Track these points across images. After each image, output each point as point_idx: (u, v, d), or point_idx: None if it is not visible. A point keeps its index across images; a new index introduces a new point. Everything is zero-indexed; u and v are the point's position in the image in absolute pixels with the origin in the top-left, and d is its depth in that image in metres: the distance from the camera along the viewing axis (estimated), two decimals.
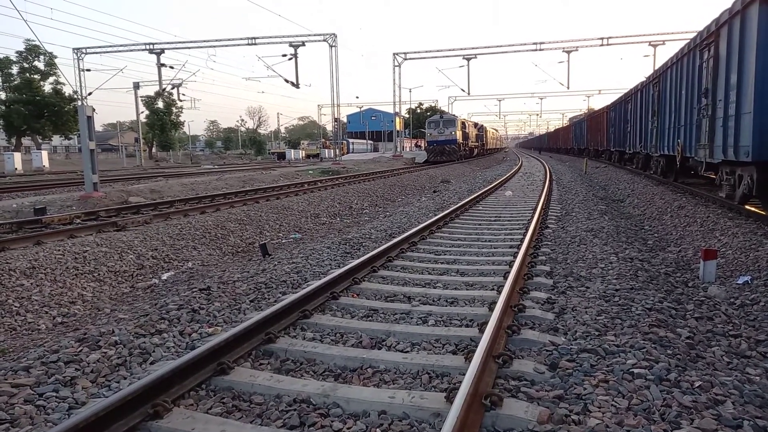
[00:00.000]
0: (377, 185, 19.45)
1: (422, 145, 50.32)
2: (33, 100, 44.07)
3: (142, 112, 50.13)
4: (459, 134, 38.67)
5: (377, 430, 2.84)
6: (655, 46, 35.20)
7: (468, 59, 39.13)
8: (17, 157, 32.89)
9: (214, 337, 3.79)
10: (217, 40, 36.78)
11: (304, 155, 62.42)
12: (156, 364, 3.77)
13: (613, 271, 5.90)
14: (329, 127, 75.76)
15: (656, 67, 16.48)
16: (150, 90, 53.13)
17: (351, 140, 77.19)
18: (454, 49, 39.33)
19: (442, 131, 37.86)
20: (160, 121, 58.55)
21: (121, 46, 38.15)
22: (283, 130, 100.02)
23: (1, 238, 8.35)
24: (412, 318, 4.62)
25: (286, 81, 35.52)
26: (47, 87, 46.03)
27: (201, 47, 37.15)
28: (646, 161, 18.18)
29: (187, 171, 32.33)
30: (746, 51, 7.91)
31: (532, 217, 9.54)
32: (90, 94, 40.33)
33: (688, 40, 11.80)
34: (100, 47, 38.79)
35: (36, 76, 45.38)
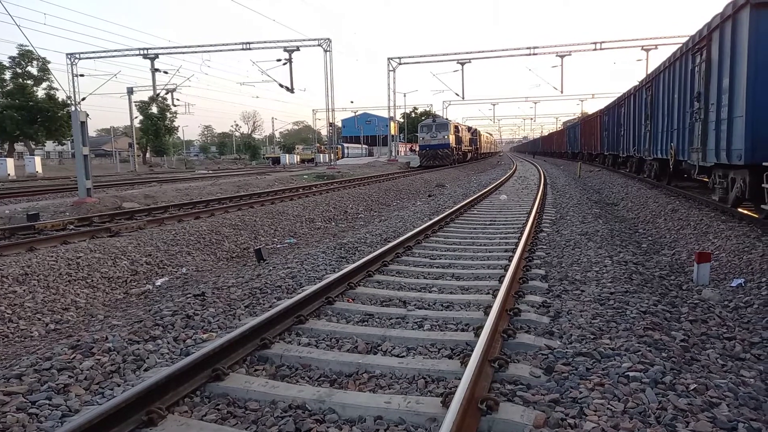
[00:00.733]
0: (372, 189, 19.46)
1: (416, 149, 50.19)
2: (26, 105, 43.89)
3: (136, 117, 50.16)
4: (452, 138, 37.88)
5: None
6: (647, 50, 35.45)
7: (462, 64, 39.30)
8: (10, 162, 32.73)
9: (209, 343, 3.77)
10: (211, 45, 36.73)
11: (298, 160, 62.41)
12: (150, 370, 3.74)
13: (607, 274, 5.92)
14: (324, 132, 75.81)
15: (649, 72, 16.59)
16: (144, 95, 53.02)
17: (346, 145, 77.29)
18: (448, 54, 39.48)
19: (435, 135, 37.14)
20: (154, 126, 58.44)
21: (114, 51, 38.06)
22: (277, 134, 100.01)
23: None
24: (407, 322, 4.61)
25: (281, 86, 35.53)
26: (40, 92, 45.90)
27: (195, 52, 37.09)
28: (639, 165, 18.28)
29: (181, 176, 32.23)
30: (738, 55, 7.98)
31: (527, 220, 9.57)
32: (83, 99, 40.16)
33: (681, 45, 11.90)
34: (93, 52, 38.68)
35: (29, 82, 45.21)
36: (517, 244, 7.33)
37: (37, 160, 36.74)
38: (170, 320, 4.70)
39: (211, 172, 39.83)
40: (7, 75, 44.69)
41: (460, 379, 3.00)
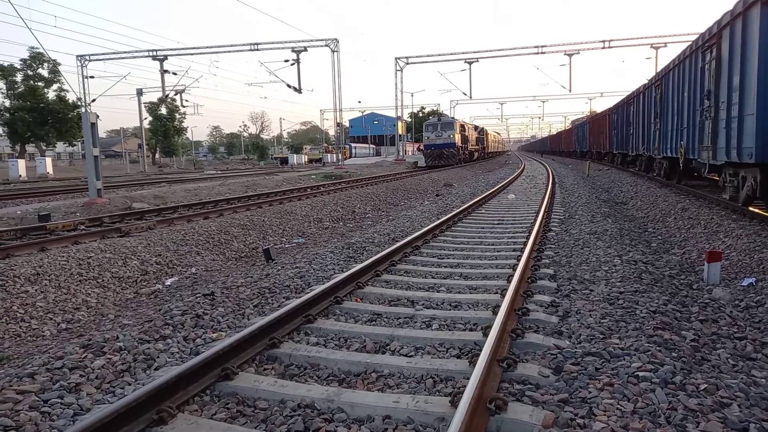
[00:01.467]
0: (380, 189, 19.46)
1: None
2: (37, 107, 44.37)
3: (146, 119, 50.54)
4: (458, 137, 36.98)
5: None
6: (656, 48, 35.21)
7: (470, 63, 39.23)
8: (21, 164, 33.06)
9: (218, 343, 3.80)
10: (219, 47, 36.93)
11: (306, 160, 62.51)
12: (160, 369, 3.77)
13: (617, 273, 5.88)
14: (332, 132, 75.89)
15: (658, 70, 16.47)
16: (153, 96, 53.42)
17: (353, 144, 77.30)
18: (456, 53, 39.41)
19: (440, 134, 36.12)
20: (164, 127, 58.84)
21: (124, 52, 38.38)
22: (285, 135, 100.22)
23: (6, 244, 8.38)
24: (415, 322, 4.61)
25: (289, 86, 35.66)
26: (51, 94, 46.40)
27: (204, 53, 37.30)
28: (649, 163, 18.15)
29: (190, 176, 32.41)
30: (748, 52, 7.91)
31: (535, 220, 9.53)
32: (94, 100, 40.52)
33: (690, 42, 11.80)
34: (103, 54, 39.00)
35: (40, 84, 45.72)
36: (525, 244, 7.30)
37: (48, 161, 37.08)
38: (180, 320, 4.74)
39: (219, 172, 40.02)
40: (19, 77, 45.24)
41: (468, 378, 3.00)
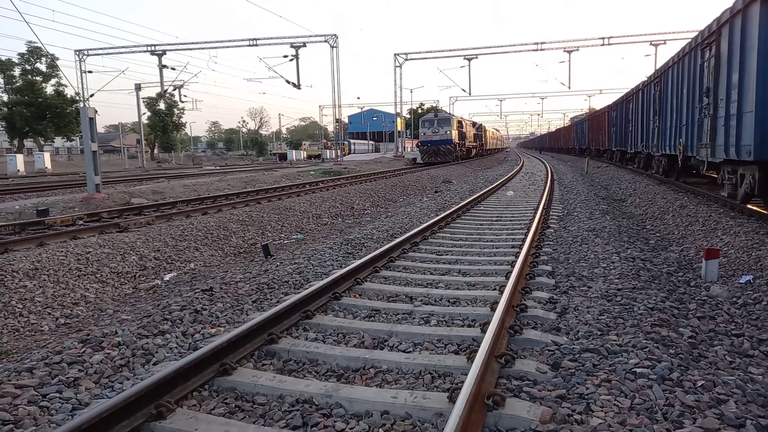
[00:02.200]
0: (379, 185, 19.46)
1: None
2: (35, 102, 44.21)
3: (144, 114, 50.40)
4: (455, 134, 35.95)
5: (380, 430, 2.84)
6: (656, 45, 35.18)
7: (469, 59, 39.15)
8: (20, 158, 32.92)
9: (217, 338, 3.80)
10: (218, 42, 36.83)
11: (305, 156, 62.45)
12: (159, 364, 3.78)
13: (615, 270, 5.90)
14: (330, 128, 75.86)
15: (657, 67, 16.46)
16: (152, 91, 53.31)
17: (352, 141, 77.24)
18: (455, 50, 39.37)
19: (437, 130, 35.23)
20: (162, 122, 58.69)
21: (122, 47, 38.24)
22: (284, 130, 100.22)
23: (5, 239, 8.37)
24: (414, 318, 4.62)
25: (288, 82, 35.57)
26: (49, 89, 46.22)
27: (202, 48, 37.19)
28: (647, 161, 18.16)
29: (188, 172, 32.37)
30: (747, 50, 7.90)
31: (534, 216, 9.54)
32: (92, 95, 40.41)
33: (690, 40, 11.79)
34: (101, 49, 38.87)
35: (38, 78, 45.54)
36: (524, 240, 7.31)
37: (47, 156, 36.91)
38: (179, 315, 4.74)
39: (218, 168, 39.96)
40: (17, 72, 45.05)
41: (466, 374, 3.01)
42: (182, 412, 2.99)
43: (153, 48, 37.07)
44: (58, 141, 63.01)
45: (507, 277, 5.37)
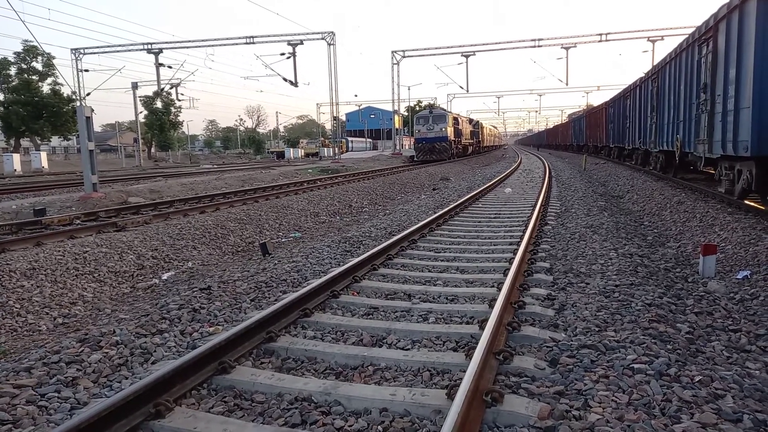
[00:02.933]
0: (377, 183, 19.45)
1: None
2: (31, 101, 43.99)
3: (141, 112, 50.19)
4: (450, 131, 35.22)
5: (379, 427, 2.84)
6: (653, 41, 35.25)
7: (466, 56, 39.17)
8: (16, 158, 32.83)
9: (215, 337, 3.80)
10: (215, 40, 36.80)
11: (303, 154, 62.37)
12: (157, 363, 3.78)
13: (612, 267, 5.91)
14: (328, 126, 75.67)
15: (655, 63, 16.47)
16: (148, 90, 52.99)
17: (350, 138, 77.19)
18: (452, 47, 39.37)
19: (432, 128, 34.27)
20: (159, 121, 58.47)
21: (119, 46, 38.17)
22: (282, 129, 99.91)
23: (1, 239, 8.35)
24: (412, 315, 4.63)
25: (285, 80, 35.56)
26: (45, 88, 45.95)
27: (199, 47, 37.15)
28: (645, 157, 18.19)
29: (186, 171, 32.30)
30: (745, 46, 7.91)
31: (532, 213, 9.55)
32: (88, 94, 40.40)
33: (687, 36, 11.80)
34: (98, 47, 38.82)
35: (34, 77, 45.28)
36: (521, 237, 7.32)
37: (43, 155, 36.81)
38: (177, 314, 4.74)
39: (215, 166, 39.88)
40: (12, 71, 44.79)
41: (464, 371, 3.02)
42: (181, 411, 2.99)
43: (150, 46, 37.01)
44: (55, 140, 62.82)
45: (505, 274, 5.37)
